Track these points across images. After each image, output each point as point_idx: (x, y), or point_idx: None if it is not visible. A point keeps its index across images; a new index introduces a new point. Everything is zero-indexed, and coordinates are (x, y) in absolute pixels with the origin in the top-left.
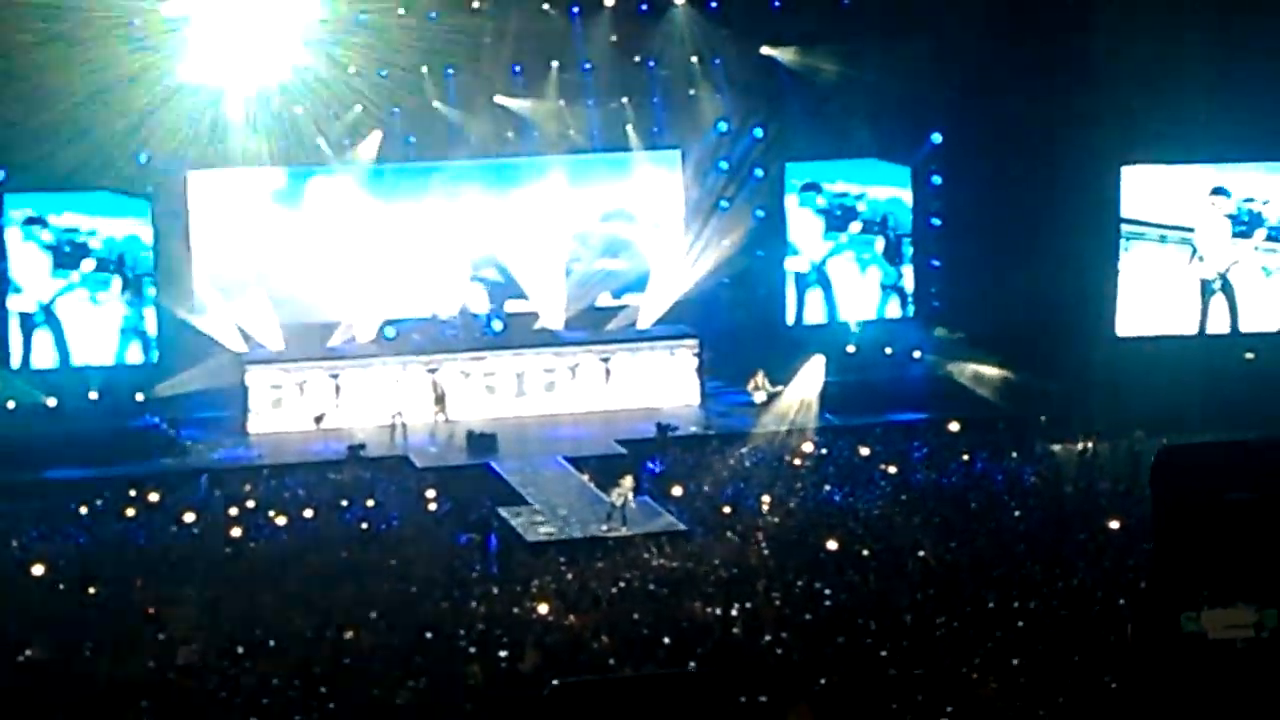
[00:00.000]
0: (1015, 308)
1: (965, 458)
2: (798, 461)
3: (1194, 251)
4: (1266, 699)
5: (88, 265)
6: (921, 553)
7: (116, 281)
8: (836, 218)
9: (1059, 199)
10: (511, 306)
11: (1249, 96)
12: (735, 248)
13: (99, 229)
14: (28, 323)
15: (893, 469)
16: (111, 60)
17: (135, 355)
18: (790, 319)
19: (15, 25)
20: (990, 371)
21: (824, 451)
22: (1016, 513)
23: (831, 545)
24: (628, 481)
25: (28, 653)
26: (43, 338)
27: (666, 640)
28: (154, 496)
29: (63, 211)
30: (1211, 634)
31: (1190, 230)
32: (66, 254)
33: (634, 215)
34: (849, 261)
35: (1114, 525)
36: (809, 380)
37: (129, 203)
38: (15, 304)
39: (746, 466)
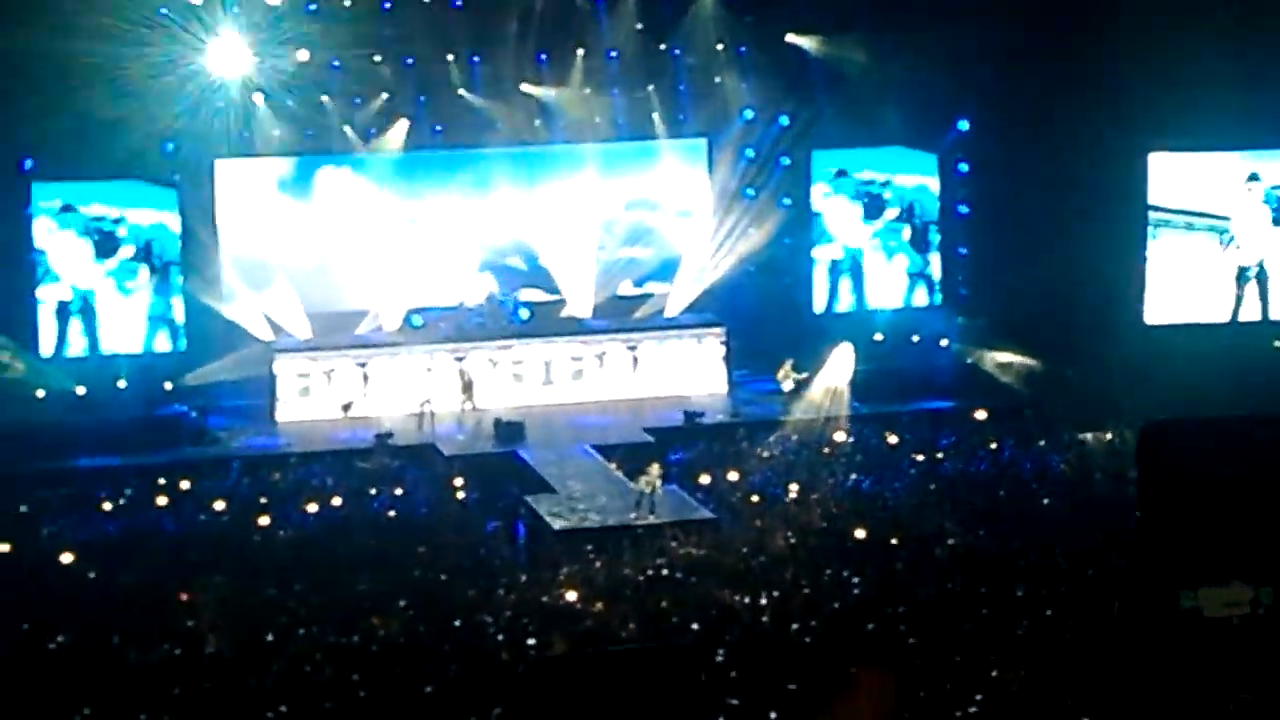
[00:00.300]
0: (1043, 296)
1: (994, 446)
2: (827, 450)
3: (1229, 238)
4: (1264, 674)
5: (116, 254)
6: (950, 541)
7: (144, 270)
8: (864, 205)
9: (1086, 186)
10: (538, 295)
11: (1278, 82)
12: (762, 236)
13: (127, 218)
14: (57, 311)
15: (920, 457)
16: (139, 49)
17: (163, 344)
18: (818, 307)
19: (43, 15)
20: (1016, 359)
21: (852, 439)
22: (1045, 501)
23: (860, 534)
24: (655, 469)
25: (57, 639)
26: (71, 326)
27: (694, 627)
28: (183, 484)
29: (91, 201)
30: (1208, 611)
31: (1222, 218)
32: (95, 243)
33: (659, 204)
34: (876, 249)
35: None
36: (839, 368)
37: (157, 192)
38: (44, 292)
39: (775, 454)
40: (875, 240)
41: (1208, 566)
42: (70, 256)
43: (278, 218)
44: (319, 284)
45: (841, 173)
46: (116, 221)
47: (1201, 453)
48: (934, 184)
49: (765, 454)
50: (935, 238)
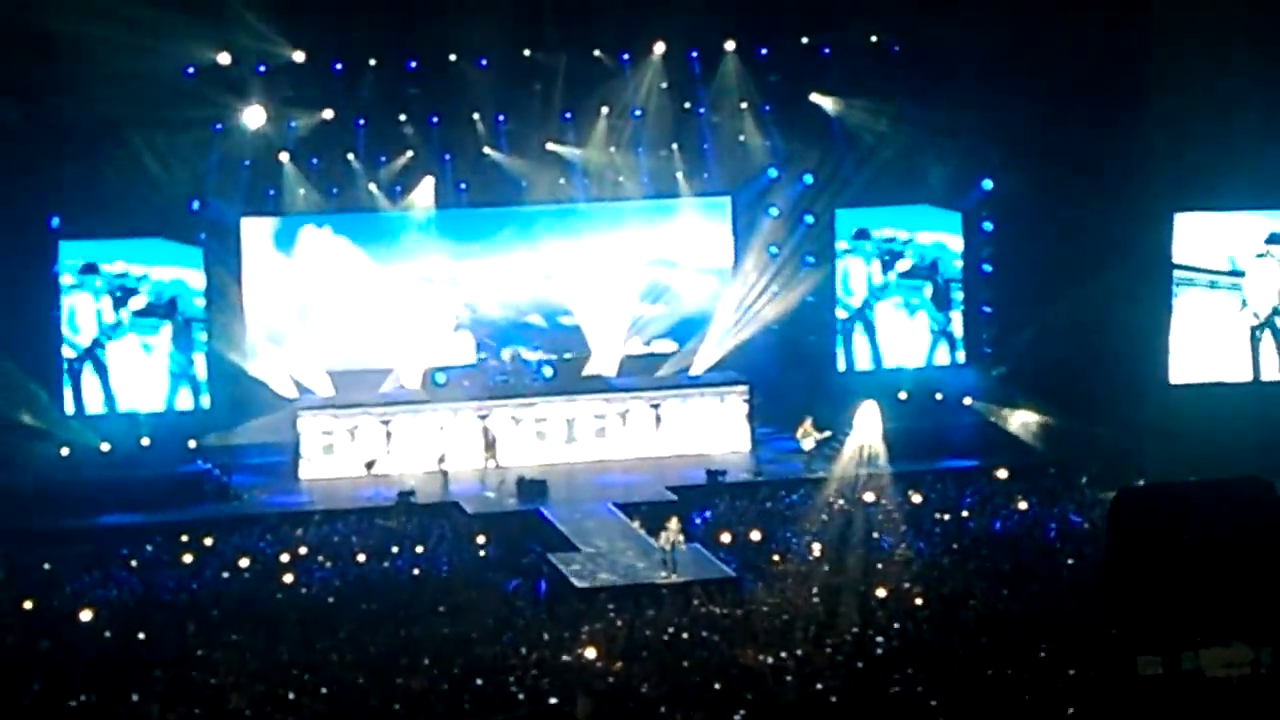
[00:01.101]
0: (1067, 354)
1: (1023, 505)
2: (851, 508)
3: (1244, 299)
4: None
5: (140, 311)
6: (973, 601)
7: (168, 327)
8: (886, 264)
9: (1111, 245)
10: (561, 352)
11: None
12: (785, 295)
13: (151, 275)
14: (80, 368)
15: (945, 516)
16: (167, 110)
17: (186, 401)
18: (841, 365)
19: (72, 78)
20: (1038, 418)
21: (875, 498)
22: (1069, 561)
23: (882, 593)
24: (674, 524)
25: (80, 697)
26: (95, 384)
27: (717, 687)
28: (206, 541)
29: (116, 259)
30: (1209, 672)
31: (1241, 275)
32: (119, 300)
33: (681, 261)
34: (898, 307)
35: None
36: (868, 426)
37: (181, 250)
38: (69, 350)
39: (798, 513)
40: (897, 298)
41: (1202, 628)
42: (94, 314)
43: (302, 276)
44: (341, 343)
45: (862, 233)
46: (141, 279)
47: (1173, 516)
48: (957, 242)
49: (788, 513)
50: (957, 295)
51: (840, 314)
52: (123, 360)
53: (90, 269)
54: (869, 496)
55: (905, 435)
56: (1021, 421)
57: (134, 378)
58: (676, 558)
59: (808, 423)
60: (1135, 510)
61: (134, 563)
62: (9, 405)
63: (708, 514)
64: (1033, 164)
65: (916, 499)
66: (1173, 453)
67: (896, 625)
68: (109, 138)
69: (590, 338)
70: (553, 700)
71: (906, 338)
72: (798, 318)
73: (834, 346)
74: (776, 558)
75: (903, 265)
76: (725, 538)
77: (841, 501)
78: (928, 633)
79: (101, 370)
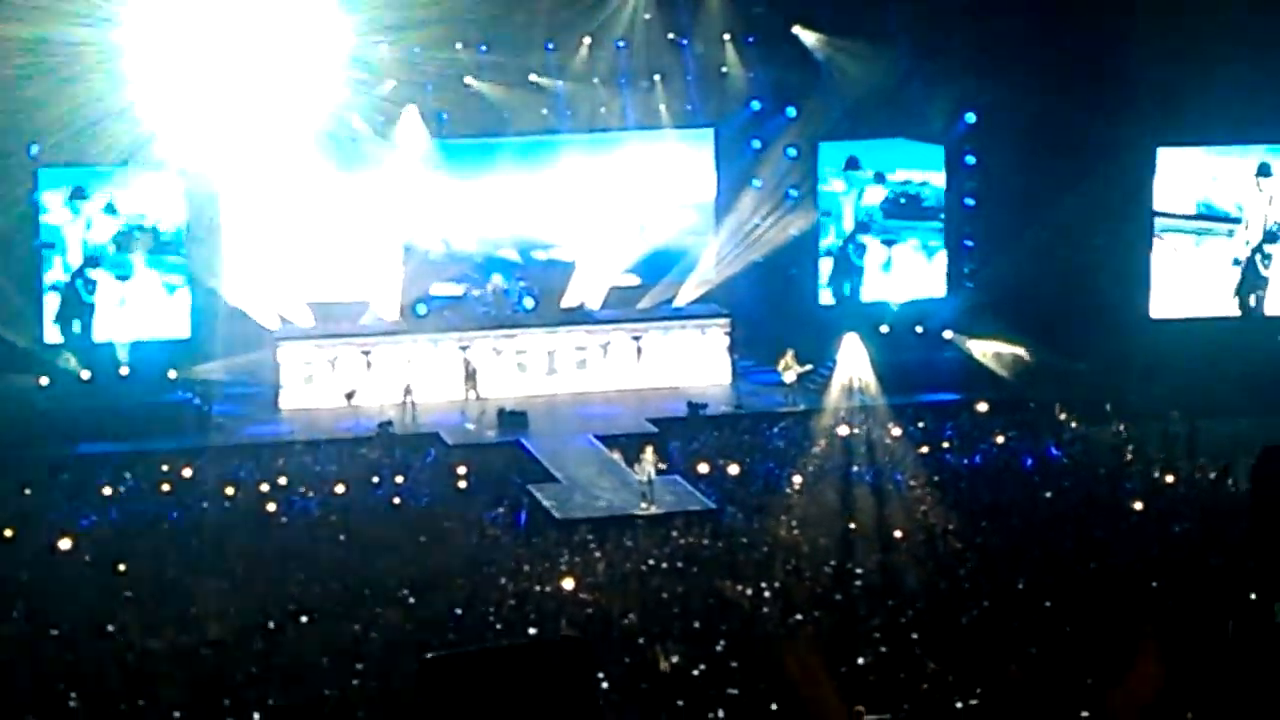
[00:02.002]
0: (1049, 289)
1: (1000, 440)
2: (828, 442)
3: (1233, 232)
4: None
5: (121, 241)
6: (951, 533)
7: (149, 257)
8: (871, 197)
9: (1094, 180)
10: (543, 284)
11: None
12: (767, 228)
13: (133, 204)
14: (62, 297)
15: (925, 449)
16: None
17: (167, 330)
18: (823, 299)
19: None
20: (1017, 352)
21: (855, 431)
22: (1047, 494)
23: (862, 525)
24: (649, 453)
25: (59, 626)
26: (76, 312)
27: (696, 619)
28: (186, 471)
29: (97, 186)
30: None
31: (1231, 212)
32: (100, 229)
33: (663, 195)
34: (881, 241)
35: (1138, 507)
36: (853, 358)
37: (164, 180)
38: (50, 278)
39: (778, 445)
40: (883, 231)
41: None
42: (75, 243)
43: (283, 207)
44: (321, 272)
45: (852, 162)
46: (121, 208)
47: None
48: (940, 177)
49: (768, 445)
50: (941, 230)
51: (825, 245)
52: (102, 290)
53: (74, 195)
54: (851, 430)
55: (886, 369)
56: (1001, 355)
57: (116, 307)
58: (653, 487)
59: (789, 355)
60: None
61: (114, 491)
62: None
63: (688, 445)
64: (1016, 98)
65: (896, 432)
66: (1153, 387)
67: (875, 558)
68: (90, 64)
69: (569, 271)
70: (532, 630)
71: (888, 271)
72: (780, 251)
73: (816, 280)
74: (757, 489)
75: (885, 198)
76: (704, 469)
77: (830, 433)
78: (906, 565)
79: (87, 300)
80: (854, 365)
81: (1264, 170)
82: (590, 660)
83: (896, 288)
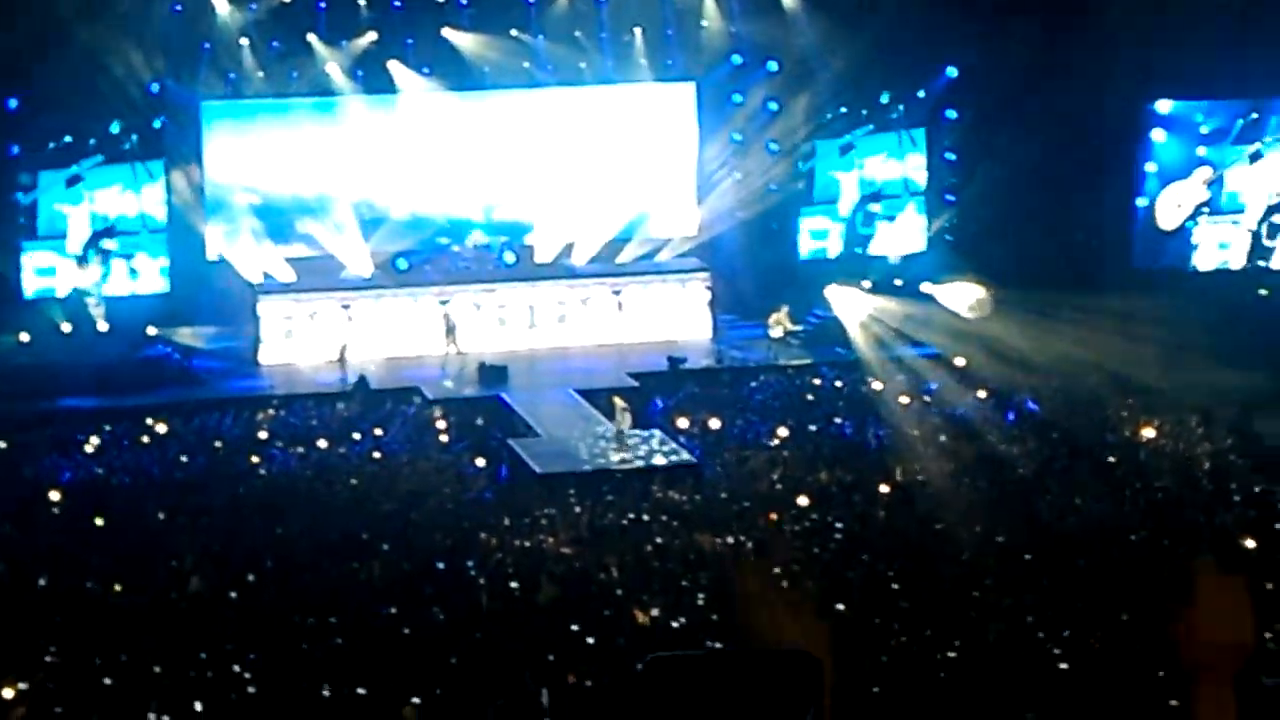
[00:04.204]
0: (1031, 243)
1: (982, 394)
2: (810, 395)
3: (1215, 184)
4: None
5: (101, 195)
6: (930, 488)
7: (130, 211)
8: (852, 152)
9: (1078, 134)
10: (524, 239)
11: (1275, 31)
12: (748, 182)
13: (112, 159)
14: (41, 252)
15: (906, 401)
16: None
17: (147, 285)
18: (804, 252)
19: None
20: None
21: (837, 385)
22: (1029, 447)
23: (843, 478)
24: (619, 401)
25: (39, 580)
26: (55, 267)
27: (676, 572)
28: (164, 426)
29: (75, 140)
30: None
31: (1215, 165)
32: (78, 184)
33: (643, 149)
34: (864, 198)
35: (1112, 460)
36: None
37: (142, 134)
38: (28, 234)
39: (758, 399)
40: (864, 187)
41: None
42: (53, 197)
43: (262, 159)
44: (303, 227)
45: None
46: (100, 163)
47: None
48: (922, 132)
49: (749, 399)
50: (922, 186)
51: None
52: (85, 244)
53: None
54: (817, 382)
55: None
56: (980, 306)
57: (96, 262)
58: (627, 438)
59: (784, 312)
60: None
61: (94, 446)
62: None
63: (669, 400)
64: (999, 51)
65: (877, 386)
66: (1135, 340)
67: (855, 511)
68: (67, 16)
69: (549, 226)
70: (513, 585)
71: (871, 227)
72: (761, 205)
73: (797, 234)
74: (738, 443)
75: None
76: (685, 423)
77: (788, 387)
78: (886, 518)
79: (67, 254)
80: (858, 311)
81: (1244, 135)
82: (818, 677)
83: (876, 243)
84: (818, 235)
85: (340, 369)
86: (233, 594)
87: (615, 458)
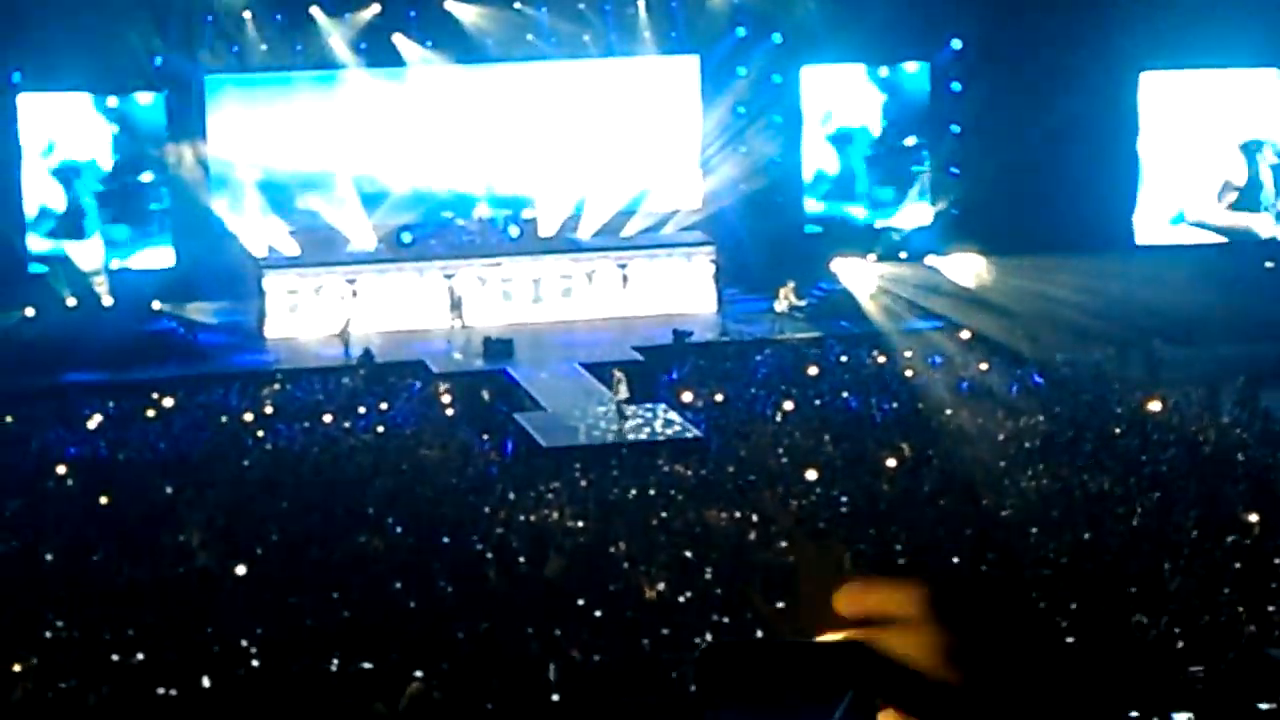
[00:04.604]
0: (1033, 214)
1: (985, 366)
2: (814, 369)
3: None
4: None
5: (105, 169)
6: (935, 460)
7: (134, 186)
8: (854, 124)
9: (1078, 105)
10: (528, 213)
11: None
12: (753, 155)
13: (116, 133)
14: (45, 227)
15: (910, 374)
16: None
17: (152, 260)
18: (809, 227)
19: None
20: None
21: (843, 359)
22: (1036, 420)
23: (848, 452)
24: (617, 373)
25: (44, 554)
26: (61, 242)
27: (683, 547)
28: (171, 400)
29: (80, 116)
30: None
31: (1213, 136)
32: (85, 159)
33: (648, 121)
34: (867, 169)
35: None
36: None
37: (146, 108)
38: (31, 208)
39: (763, 373)
40: (866, 159)
41: None
42: (58, 172)
43: (267, 134)
44: (308, 201)
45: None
46: (105, 136)
47: None
48: (925, 103)
49: (754, 373)
50: (926, 157)
51: (810, 174)
52: (90, 219)
53: (57, 123)
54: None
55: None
56: (983, 280)
57: (102, 236)
58: (625, 409)
59: (790, 287)
60: None
61: (99, 421)
62: None
63: (674, 373)
64: (1001, 23)
65: (881, 359)
66: (1137, 313)
67: (861, 485)
68: None
69: (554, 199)
70: (520, 559)
71: (877, 199)
72: (765, 179)
73: (801, 207)
74: (744, 417)
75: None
76: (690, 397)
77: (793, 360)
78: (890, 491)
79: (71, 229)
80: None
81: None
82: (871, 666)
83: (880, 215)
84: (818, 206)
85: (342, 343)
86: (238, 568)
87: (617, 429)
